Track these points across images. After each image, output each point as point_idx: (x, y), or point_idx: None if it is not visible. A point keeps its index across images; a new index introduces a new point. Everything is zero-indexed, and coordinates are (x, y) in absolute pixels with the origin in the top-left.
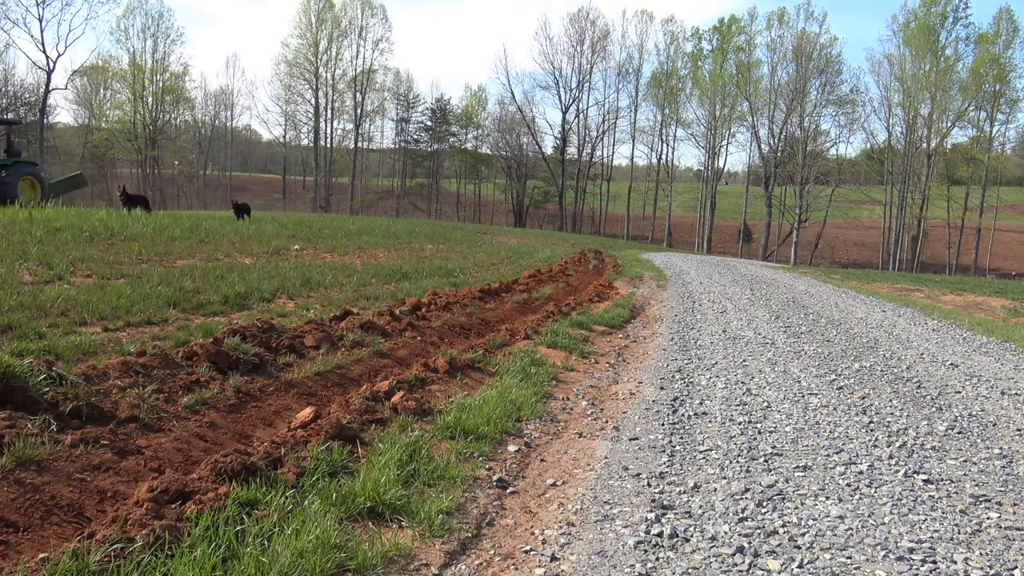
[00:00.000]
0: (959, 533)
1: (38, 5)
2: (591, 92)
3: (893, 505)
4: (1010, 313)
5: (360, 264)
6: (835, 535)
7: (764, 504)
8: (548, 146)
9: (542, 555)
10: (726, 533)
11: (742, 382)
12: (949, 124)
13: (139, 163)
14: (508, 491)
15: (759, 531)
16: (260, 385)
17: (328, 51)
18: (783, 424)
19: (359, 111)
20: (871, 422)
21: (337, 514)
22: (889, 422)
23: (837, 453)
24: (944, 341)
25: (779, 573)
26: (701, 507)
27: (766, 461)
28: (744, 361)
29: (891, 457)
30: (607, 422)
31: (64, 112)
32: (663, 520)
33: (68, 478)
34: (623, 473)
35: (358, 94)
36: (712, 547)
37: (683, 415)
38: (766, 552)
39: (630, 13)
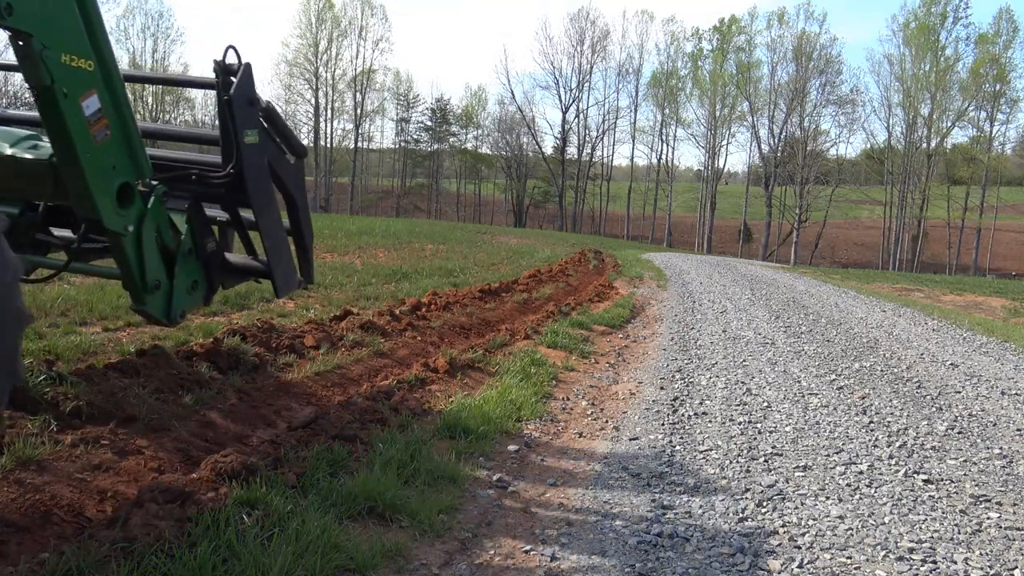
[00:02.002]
0: (959, 533)
1: None
2: (591, 92)
3: (893, 505)
4: (1010, 313)
5: (360, 264)
6: (835, 535)
7: (764, 504)
8: (548, 146)
9: (542, 555)
10: (726, 533)
11: (742, 382)
12: (949, 124)
13: None
14: (508, 491)
15: (759, 531)
16: (260, 385)
17: (328, 51)
18: (783, 424)
19: (359, 111)
20: (871, 422)
21: (337, 514)
22: (889, 422)
23: (837, 453)
24: (944, 341)
25: (779, 573)
26: (701, 507)
27: (766, 461)
28: (744, 361)
29: (891, 457)
30: (607, 422)
31: None
32: (663, 520)
33: (68, 478)
34: (623, 473)
35: (358, 94)
36: (712, 547)
37: (683, 415)
38: (766, 552)
39: (630, 13)
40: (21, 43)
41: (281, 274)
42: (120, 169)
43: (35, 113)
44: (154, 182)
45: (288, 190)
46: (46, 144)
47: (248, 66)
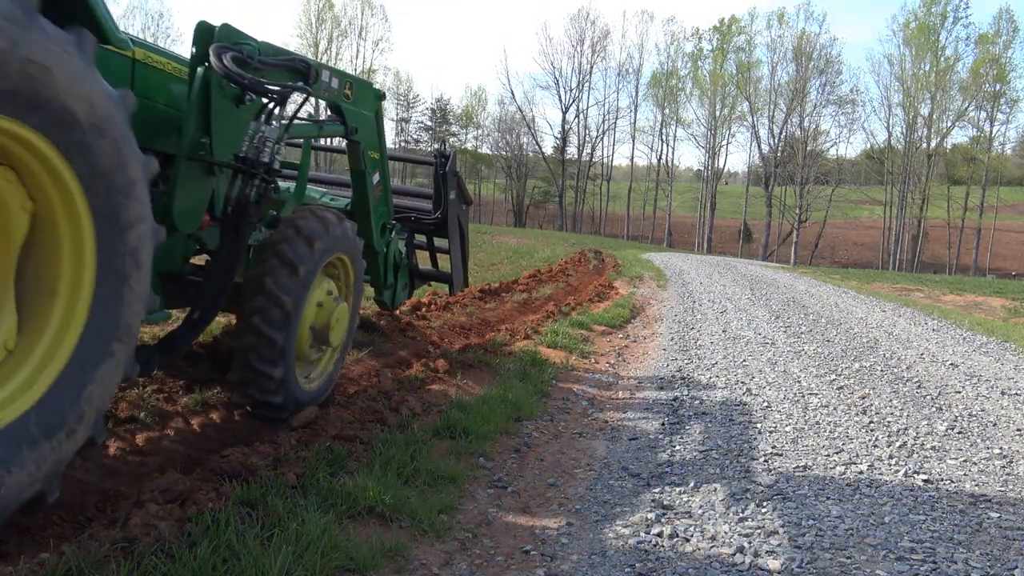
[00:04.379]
0: (959, 533)
1: None
2: (591, 92)
3: (893, 505)
4: (1010, 313)
5: None
6: (835, 535)
7: (764, 504)
8: (548, 146)
9: (542, 555)
10: (726, 533)
11: (742, 382)
12: (949, 124)
13: None
14: (508, 491)
15: (759, 531)
16: None
17: (328, 51)
18: (783, 424)
19: None
20: (871, 422)
21: (337, 514)
22: (889, 422)
23: (837, 453)
24: (944, 341)
25: (779, 573)
26: (701, 507)
27: (766, 461)
28: (744, 361)
29: (891, 457)
30: (607, 422)
31: None
32: (663, 520)
33: (68, 479)
34: (623, 473)
35: None
36: (712, 547)
37: (683, 415)
38: (766, 552)
39: (630, 13)
40: (353, 147)
41: (456, 279)
42: (383, 214)
43: (331, 175)
44: (393, 221)
45: (462, 226)
46: (339, 197)
47: (455, 152)
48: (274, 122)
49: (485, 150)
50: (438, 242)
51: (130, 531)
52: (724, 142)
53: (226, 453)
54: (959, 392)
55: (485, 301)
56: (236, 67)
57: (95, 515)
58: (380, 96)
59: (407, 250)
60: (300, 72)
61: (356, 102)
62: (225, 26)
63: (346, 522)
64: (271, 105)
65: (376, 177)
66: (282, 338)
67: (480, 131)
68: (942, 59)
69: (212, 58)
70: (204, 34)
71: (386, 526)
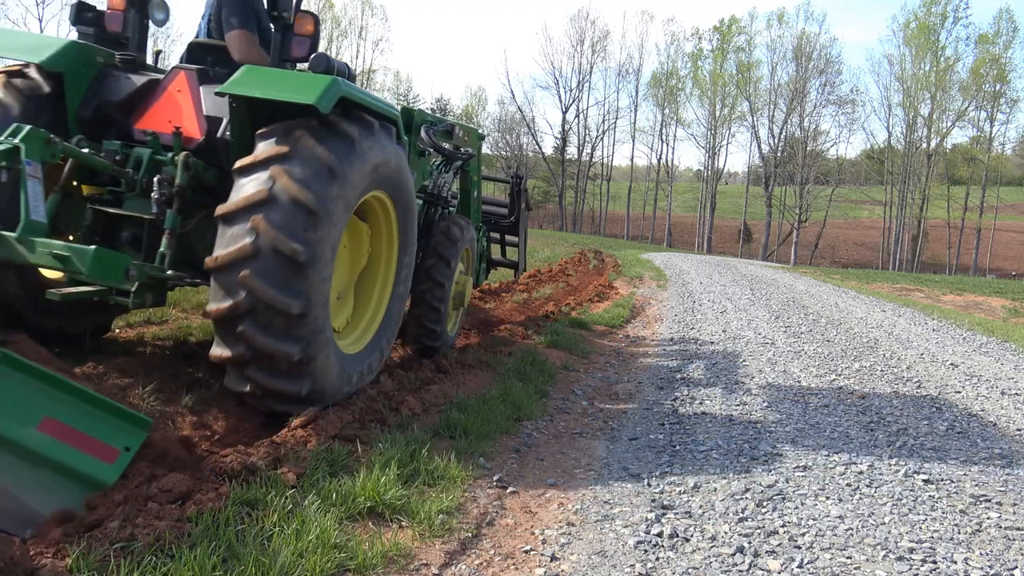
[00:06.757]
0: (959, 533)
1: (38, 5)
2: (591, 92)
3: (893, 505)
4: (1010, 313)
5: None
6: (835, 535)
7: (764, 504)
8: (548, 146)
9: (542, 555)
10: (726, 533)
11: (742, 382)
12: (949, 124)
13: None
14: (508, 491)
15: (759, 531)
16: None
17: (328, 51)
18: (783, 424)
19: None
20: (871, 422)
21: (337, 514)
22: (889, 422)
23: (837, 453)
24: (944, 341)
25: (779, 573)
26: (701, 507)
27: (766, 461)
28: (744, 361)
29: (891, 457)
30: (607, 422)
31: None
32: (663, 520)
33: None
34: (623, 473)
35: None
36: (712, 547)
37: (683, 415)
38: (766, 552)
39: (630, 13)
40: (464, 174)
41: (521, 265)
42: (477, 217)
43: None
44: (481, 223)
45: (524, 227)
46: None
47: (526, 174)
48: (451, 171)
49: (485, 150)
50: (508, 238)
51: (130, 531)
52: (724, 142)
53: (226, 453)
54: (959, 392)
55: (485, 301)
56: (435, 139)
57: (96, 519)
58: (482, 137)
59: (487, 243)
60: (448, 132)
61: (470, 143)
62: (420, 111)
63: (346, 522)
64: (446, 158)
65: (475, 192)
66: (442, 307)
67: (480, 131)
68: (942, 59)
69: (424, 135)
70: (406, 114)
71: (386, 526)
